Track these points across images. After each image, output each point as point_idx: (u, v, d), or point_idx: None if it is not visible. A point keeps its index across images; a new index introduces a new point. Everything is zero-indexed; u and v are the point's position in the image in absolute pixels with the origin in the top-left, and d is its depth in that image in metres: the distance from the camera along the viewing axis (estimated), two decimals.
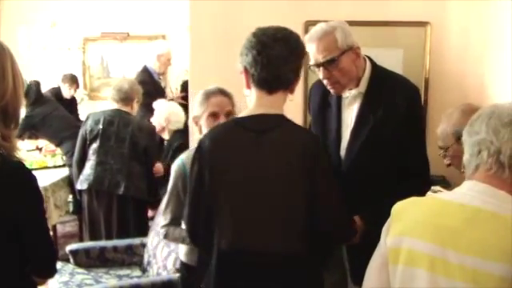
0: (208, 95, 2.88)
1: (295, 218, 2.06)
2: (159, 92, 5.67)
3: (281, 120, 2.11)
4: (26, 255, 1.91)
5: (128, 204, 4.61)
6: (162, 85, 6.01)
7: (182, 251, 3.01)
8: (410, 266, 1.60)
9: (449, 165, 2.49)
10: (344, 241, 2.39)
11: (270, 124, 2.08)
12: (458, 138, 2.29)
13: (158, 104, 4.95)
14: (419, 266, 1.57)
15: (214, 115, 2.83)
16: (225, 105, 2.86)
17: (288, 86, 2.14)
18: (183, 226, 2.94)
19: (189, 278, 2.98)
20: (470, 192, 1.58)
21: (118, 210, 4.60)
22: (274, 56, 2.07)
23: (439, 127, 2.53)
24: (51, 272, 2.06)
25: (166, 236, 2.92)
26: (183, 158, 2.92)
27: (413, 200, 1.76)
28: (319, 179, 2.05)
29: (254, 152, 2.06)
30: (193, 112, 2.92)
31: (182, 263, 3.02)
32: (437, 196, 1.68)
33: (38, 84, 5.85)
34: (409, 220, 1.66)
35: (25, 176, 1.85)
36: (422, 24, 3.35)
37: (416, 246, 1.59)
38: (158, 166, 4.84)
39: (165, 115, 4.80)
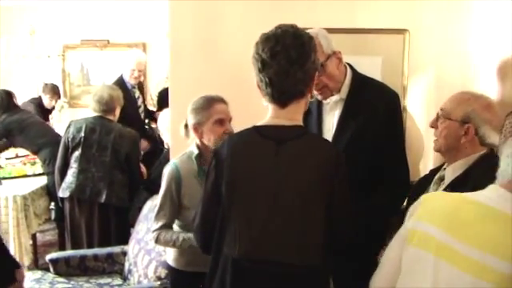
0: (211, 102, 2.86)
1: (313, 229, 2.02)
2: (130, 101, 5.59)
3: (301, 131, 2.08)
4: None
5: (110, 212, 4.60)
6: (136, 95, 5.96)
7: (170, 256, 3.00)
8: (420, 248, 1.69)
9: (432, 126, 2.45)
10: (345, 254, 2.33)
11: (290, 134, 2.04)
12: (464, 121, 2.32)
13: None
14: (428, 250, 1.66)
15: (220, 122, 2.82)
16: (228, 112, 2.87)
17: (301, 96, 2.07)
18: (175, 228, 2.94)
19: (178, 282, 2.99)
20: (490, 194, 1.66)
21: (99, 218, 4.59)
22: (274, 74, 2.00)
23: (457, 94, 2.43)
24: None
25: (157, 240, 2.89)
26: (176, 162, 2.92)
27: (440, 193, 1.91)
28: (337, 192, 2.02)
29: (274, 161, 2.01)
30: (191, 119, 2.88)
31: (171, 268, 3.00)
32: (461, 193, 1.75)
33: (8, 93, 5.76)
34: (430, 208, 1.75)
35: None
36: (401, 32, 3.38)
37: (429, 230, 1.68)
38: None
39: None
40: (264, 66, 2.01)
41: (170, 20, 3.54)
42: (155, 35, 7.85)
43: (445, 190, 2.31)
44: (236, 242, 2.05)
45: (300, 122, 2.11)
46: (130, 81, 5.77)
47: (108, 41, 8.31)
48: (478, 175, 2.22)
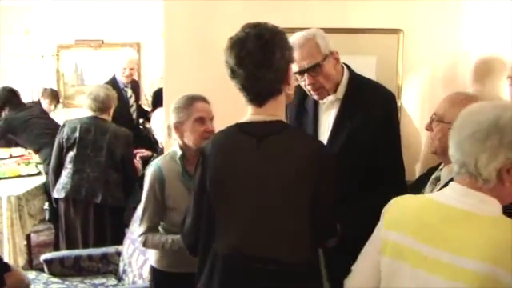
0: (192, 100, 2.84)
1: (299, 225, 2.01)
2: (122, 101, 5.60)
3: (282, 126, 2.08)
4: None
5: (105, 212, 4.59)
6: (128, 94, 5.98)
7: (152, 257, 2.98)
8: (395, 258, 1.71)
9: (427, 129, 2.46)
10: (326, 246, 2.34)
11: (270, 129, 2.04)
12: None
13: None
14: (402, 259, 1.68)
15: (201, 120, 2.80)
16: (209, 111, 2.85)
17: (278, 93, 2.07)
18: (161, 230, 2.92)
19: (161, 283, 2.98)
20: (450, 192, 1.67)
21: (94, 219, 4.59)
22: (244, 79, 2.02)
23: (451, 95, 2.44)
24: None
25: (144, 244, 2.87)
26: (159, 163, 2.90)
27: (408, 197, 1.89)
28: (320, 188, 2.00)
29: (255, 157, 2.01)
30: (172, 118, 2.86)
31: (154, 269, 2.99)
32: (426, 195, 1.76)
33: (12, 91, 5.76)
34: (398, 214, 1.77)
35: None
36: (395, 31, 3.38)
37: (399, 239, 1.70)
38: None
39: None
40: (234, 74, 2.03)
41: (164, 20, 3.54)
42: (150, 35, 7.84)
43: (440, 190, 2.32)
44: (223, 239, 2.07)
45: (281, 117, 2.11)
46: (121, 80, 5.79)
47: (102, 41, 8.29)
48: None
